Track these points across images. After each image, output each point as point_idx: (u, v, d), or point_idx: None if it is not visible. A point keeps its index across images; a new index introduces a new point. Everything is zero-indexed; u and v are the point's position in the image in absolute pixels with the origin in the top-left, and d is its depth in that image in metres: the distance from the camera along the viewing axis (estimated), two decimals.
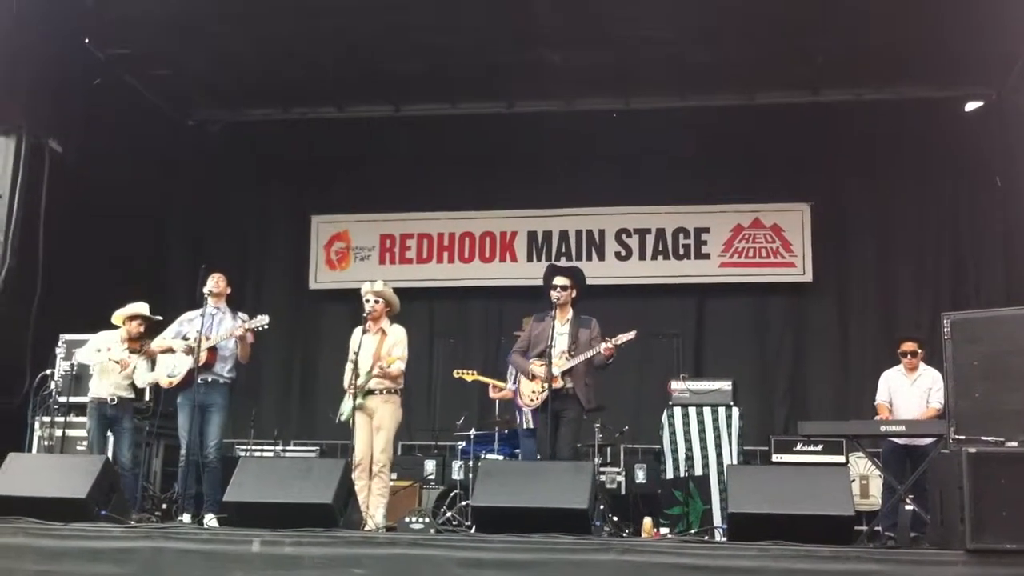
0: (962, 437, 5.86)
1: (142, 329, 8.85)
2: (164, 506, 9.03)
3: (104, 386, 8.77)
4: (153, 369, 8.76)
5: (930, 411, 8.73)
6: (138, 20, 10.28)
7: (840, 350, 12.15)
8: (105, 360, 8.74)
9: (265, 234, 13.58)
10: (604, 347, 7.82)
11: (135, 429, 8.93)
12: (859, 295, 12.26)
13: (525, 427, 8.71)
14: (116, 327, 8.93)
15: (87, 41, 10.67)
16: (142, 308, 8.94)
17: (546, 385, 7.79)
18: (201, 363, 8.05)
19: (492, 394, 9.63)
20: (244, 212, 13.52)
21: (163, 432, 9.65)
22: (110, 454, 8.54)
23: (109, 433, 8.84)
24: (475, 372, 9.62)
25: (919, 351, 9.00)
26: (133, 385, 8.88)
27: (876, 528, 8.12)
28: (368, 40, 10.70)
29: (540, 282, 8.52)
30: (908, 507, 7.16)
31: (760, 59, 10.87)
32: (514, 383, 8.71)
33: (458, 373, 9.67)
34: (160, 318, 8.91)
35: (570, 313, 8.16)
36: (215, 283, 8.40)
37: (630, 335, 7.86)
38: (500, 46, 10.77)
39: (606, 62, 11.08)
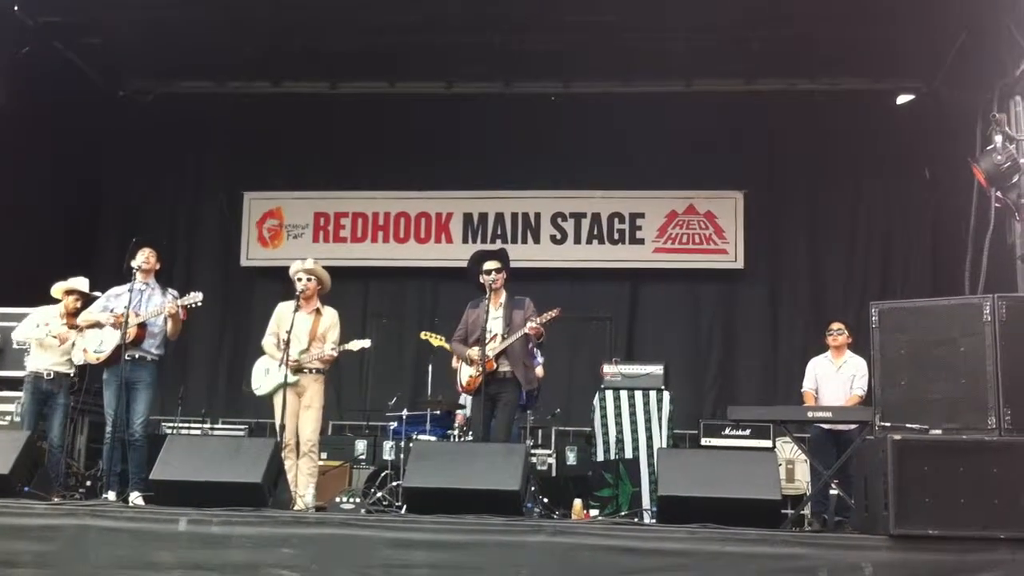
0: (887, 424, 5.95)
1: (79, 304, 8.68)
2: (88, 483, 8.87)
3: (41, 360, 8.59)
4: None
5: (853, 397, 8.90)
6: None
7: (770, 337, 12.29)
8: (43, 336, 8.56)
9: (196, 209, 13.36)
10: (530, 326, 7.83)
11: (68, 406, 8.74)
12: (790, 283, 12.41)
13: None
14: (55, 301, 8.76)
15: (16, 8, 10.38)
16: (81, 283, 8.79)
17: (481, 369, 7.79)
18: (129, 339, 7.90)
19: (455, 364, 9.59)
20: (175, 187, 13.31)
21: (88, 408, 9.47)
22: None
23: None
24: (443, 338, 9.54)
25: (845, 330, 9.16)
26: (71, 361, 8.68)
27: (802, 512, 8.26)
28: (305, 15, 10.55)
29: (467, 267, 8.49)
30: (833, 492, 7.27)
31: (698, 46, 10.91)
32: None
33: (426, 335, 9.60)
34: (99, 294, 8.73)
35: (503, 296, 8.15)
36: (145, 259, 8.23)
37: (553, 312, 7.89)
38: (440, 25, 10.68)
39: (547, 45, 11.08)
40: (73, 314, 8.65)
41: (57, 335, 8.54)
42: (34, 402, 8.56)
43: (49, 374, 8.57)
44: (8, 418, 8.92)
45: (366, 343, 8.18)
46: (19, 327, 8.90)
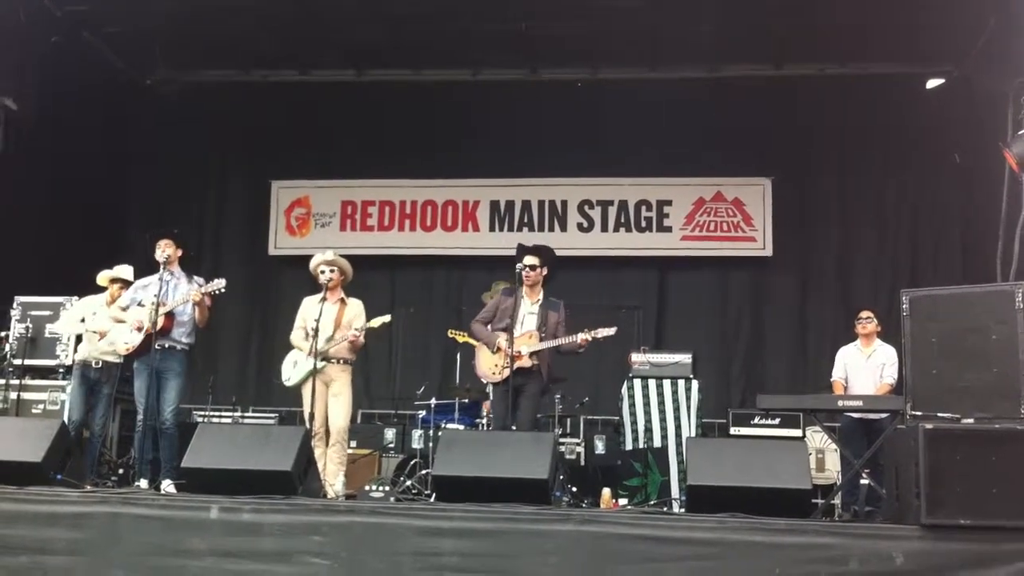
0: (919, 413, 5.91)
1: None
2: (120, 472, 8.95)
3: (91, 349, 8.67)
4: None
5: (883, 386, 8.85)
6: None
7: (798, 325, 12.25)
8: (82, 331, 8.65)
9: (224, 198, 13.43)
10: (582, 337, 7.84)
11: (112, 395, 8.82)
12: (818, 270, 12.35)
13: None
14: (102, 289, 8.82)
15: None
16: (126, 272, 8.86)
17: (509, 360, 7.79)
18: (158, 329, 7.95)
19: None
20: (203, 175, 13.36)
21: (120, 397, 9.54)
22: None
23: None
24: (468, 334, 9.58)
25: (874, 318, 9.11)
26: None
27: (832, 502, 8.23)
28: (331, 2, 10.56)
29: (501, 252, 8.54)
30: (864, 482, 7.23)
31: (725, 32, 10.87)
32: None
33: (452, 333, 9.62)
34: None
35: (540, 294, 8.15)
36: (163, 251, 8.23)
37: (610, 331, 7.92)
38: (465, 12, 10.66)
39: (573, 31, 11.03)
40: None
41: (97, 330, 8.56)
42: (82, 391, 8.66)
43: (98, 363, 8.68)
44: (41, 406, 8.99)
45: (386, 318, 8.18)
46: (62, 318, 8.96)
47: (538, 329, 7.96)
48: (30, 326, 9.08)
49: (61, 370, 9.42)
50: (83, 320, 8.76)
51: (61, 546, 6.08)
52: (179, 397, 8.16)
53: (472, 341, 8.71)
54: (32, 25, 10.37)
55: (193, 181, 13.29)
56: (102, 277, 8.84)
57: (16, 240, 10.09)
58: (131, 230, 12.65)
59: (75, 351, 9.03)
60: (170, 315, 8.06)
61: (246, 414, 11.07)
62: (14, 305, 9.53)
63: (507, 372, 7.79)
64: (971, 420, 5.71)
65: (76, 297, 9.28)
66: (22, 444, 6.77)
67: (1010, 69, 9.00)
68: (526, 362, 7.84)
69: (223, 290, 8.10)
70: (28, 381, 9.26)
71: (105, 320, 8.54)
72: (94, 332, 8.58)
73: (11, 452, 6.68)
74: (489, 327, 8.17)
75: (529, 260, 8.13)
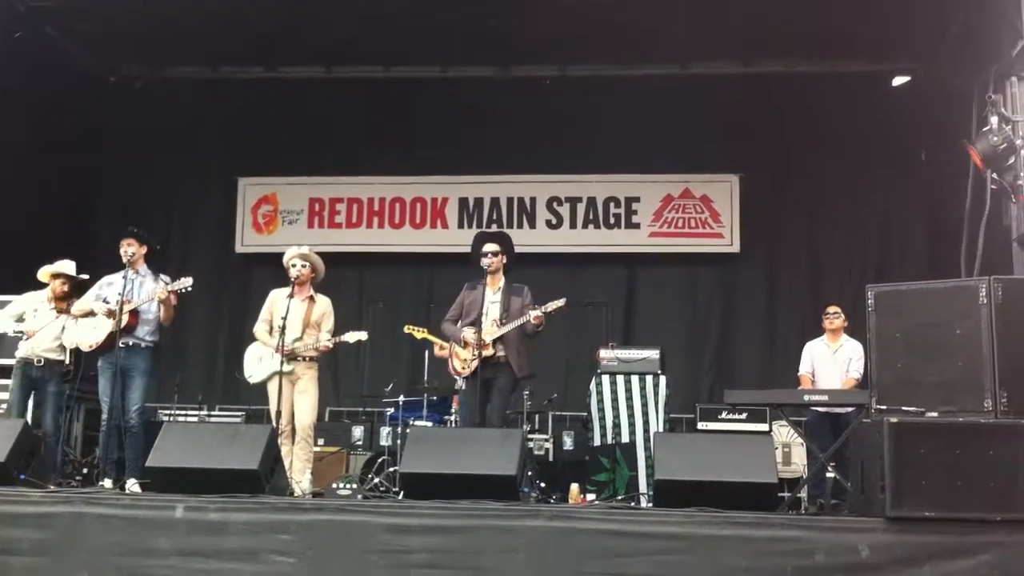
0: (883, 407, 5.95)
1: (67, 288, 8.61)
2: (85, 471, 8.86)
3: (32, 345, 8.52)
4: None
5: (849, 380, 8.94)
6: None
7: (766, 320, 12.30)
8: (10, 330, 8.55)
9: (191, 195, 13.34)
10: (534, 315, 7.83)
11: (60, 393, 8.68)
12: (786, 267, 12.42)
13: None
14: (43, 285, 8.70)
15: None
16: (68, 267, 8.71)
17: (477, 353, 7.78)
18: (122, 326, 7.89)
19: (437, 352, 9.57)
20: (169, 173, 13.21)
21: (84, 396, 9.42)
22: (29, 417, 8.32)
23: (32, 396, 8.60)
24: (425, 330, 9.54)
25: (841, 313, 9.18)
26: (63, 347, 8.60)
27: (799, 495, 8.27)
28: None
29: (471, 249, 8.48)
30: (830, 475, 7.28)
31: (694, 28, 10.88)
32: None
33: (408, 328, 9.58)
34: (86, 277, 8.70)
35: (502, 281, 8.15)
36: (124, 249, 8.18)
37: (559, 303, 7.89)
38: (435, 9, 10.62)
39: (543, 29, 11.01)
40: (61, 298, 8.58)
41: (27, 331, 8.47)
42: (23, 388, 8.47)
43: (39, 360, 8.48)
44: (3, 407, 8.87)
45: (363, 335, 8.18)
46: (8, 308, 8.83)
47: (500, 316, 7.95)
48: (12, 331, 8.91)
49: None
50: (22, 318, 8.61)
51: (25, 546, 6.03)
52: (144, 396, 8.10)
53: (430, 337, 8.70)
54: None
55: (160, 178, 13.14)
56: (43, 273, 8.66)
57: None
58: (97, 227, 12.55)
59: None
60: (135, 312, 8.01)
61: (212, 412, 11.00)
62: None
63: (475, 364, 7.78)
64: (935, 414, 5.76)
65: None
66: None
67: (974, 67, 9.08)
68: (491, 351, 7.82)
69: (189, 289, 8.07)
70: None
71: (45, 317, 8.45)
72: (18, 332, 8.47)
73: None
74: (459, 324, 8.17)
75: (490, 247, 8.12)
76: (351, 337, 8.10)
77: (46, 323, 8.49)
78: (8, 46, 10.39)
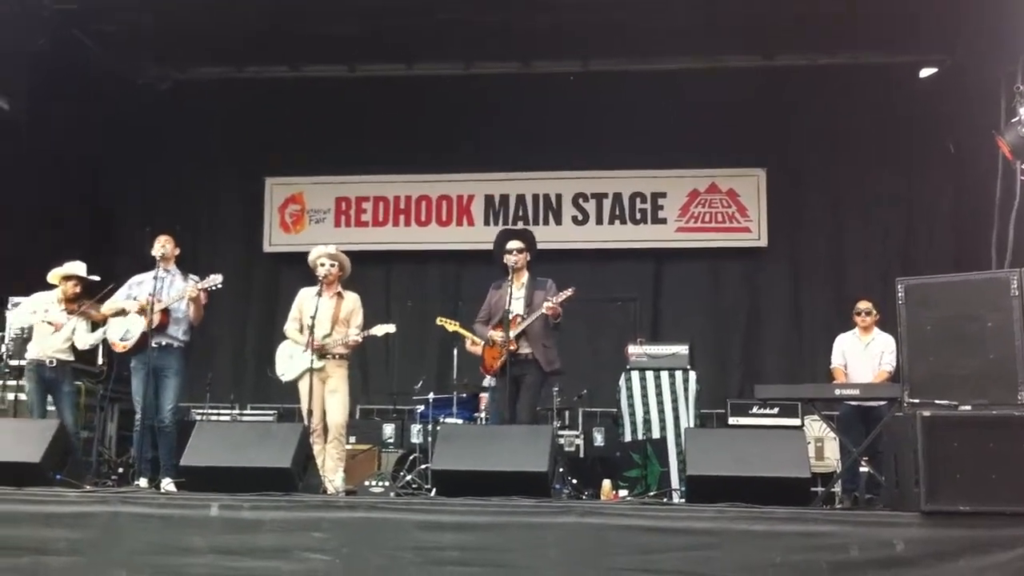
0: (916, 401, 5.93)
1: (78, 290, 8.63)
2: (120, 471, 8.94)
3: (43, 348, 8.54)
4: (93, 330, 8.62)
5: (881, 373, 8.89)
6: None
7: (794, 314, 12.27)
8: (38, 321, 8.53)
9: (218, 196, 13.41)
10: (547, 306, 7.81)
11: (75, 392, 8.75)
12: (813, 260, 12.36)
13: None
14: (53, 287, 8.73)
15: None
16: (79, 268, 8.72)
17: (503, 351, 7.79)
18: (154, 326, 7.94)
19: (469, 347, 9.59)
20: (197, 173, 13.30)
21: (117, 396, 9.52)
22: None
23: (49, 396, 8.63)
24: (457, 323, 9.58)
25: (873, 311, 9.14)
26: (74, 348, 8.66)
27: (832, 490, 8.24)
28: None
29: (493, 247, 8.48)
30: (863, 469, 7.25)
31: (717, 22, 10.85)
32: None
33: (441, 320, 9.60)
34: (98, 278, 8.71)
35: (525, 277, 8.14)
36: (162, 245, 8.25)
37: (568, 292, 7.86)
38: (457, 6, 10.64)
39: (565, 24, 11.00)
40: (72, 299, 8.59)
41: (52, 322, 8.49)
42: (39, 390, 8.50)
43: (51, 361, 8.50)
44: None
45: (391, 328, 8.18)
46: (14, 313, 8.89)
47: (524, 312, 7.94)
48: (24, 326, 9.00)
49: (6, 370, 9.25)
50: (34, 312, 8.64)
51: (62, 546, 6.09)
52: (177, 395, 8.16)
53: (462, 330, 8.70)
54: (22, 23, 10.32)
55: (187, 179, 13.25)
56: (53, 275, 8.67)
57: (9, 240, 10.06)
58: (124, 229, 12.66)
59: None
60: (166, 312, 8.06)
61: (244, 411, 11.07)
62: (8, 305, 9.49)
63: (503, 361, 7.78)
64: (968, 407, 5.73)
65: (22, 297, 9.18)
66: (20, 445, 6.78)
67: (1002, 57, 9.02)
68: (513, 346, 7.83)
69: (220, 286, 8.13)
70: (24, 382, 9.14)
71: (56, 318, 8.49)
72: (48, 324, 8.48)
73: (9, 453, 6.70)
74: (489, 324, 8.18)
75: (513, 244, 8.13)
76: (379, 330, 8.12)
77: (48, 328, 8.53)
78: (34, 49, 10.48)
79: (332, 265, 8.19)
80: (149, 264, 8.33)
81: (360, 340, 8.08)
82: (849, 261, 12.22)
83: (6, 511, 6.20)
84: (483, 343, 8.20)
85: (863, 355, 9.10)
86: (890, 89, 11.76)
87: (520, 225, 12.17)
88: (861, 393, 8.05)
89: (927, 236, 12.05)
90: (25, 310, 8.75)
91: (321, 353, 7.95)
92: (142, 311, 8.00)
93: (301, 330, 8.10)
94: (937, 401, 5.82)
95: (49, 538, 6.10)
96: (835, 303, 11.61)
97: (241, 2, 10.65)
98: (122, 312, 8.24)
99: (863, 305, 9.23)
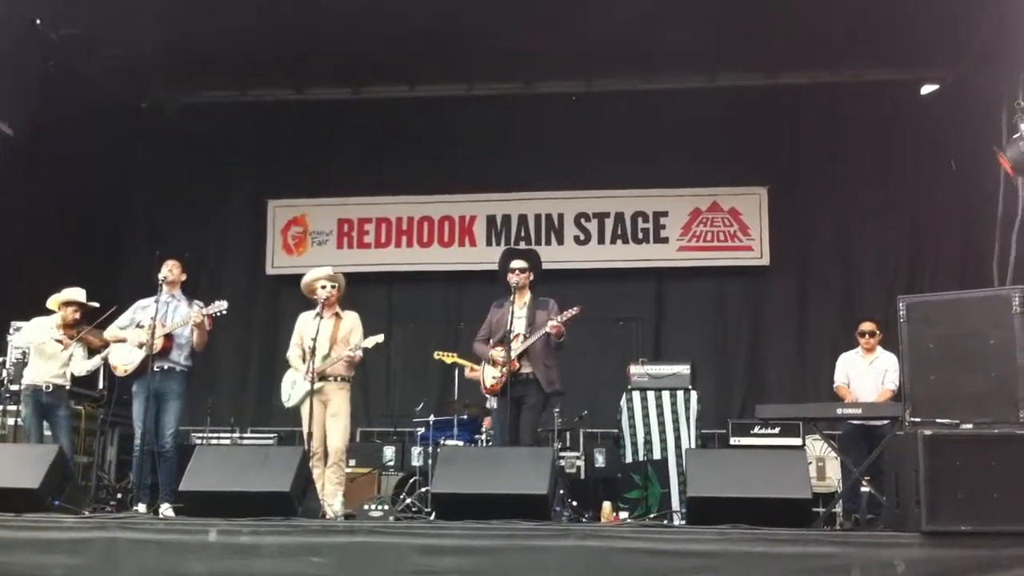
0: (918, 419, 5.90)
1: (78, 316, 8.65)
2: (119, 496, 8.91)
3: (39, 373, 8.58)
4: (90, 357, 8.64)
5: (884, 392, 8.83)
6: (90, 1, 10.06)
7: (797, 333, 12.21)
8: (48, 340, 8.55)
9: (221, 218, 13.42)
10: (551, 324, 7.80)
11: (69, 416, 8.77)
12: (816, 279, 12.31)
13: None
14: (51, 312, 8.75)
15: (38, 22, 10.45)
16: (78, 294, 8.74)
17: (505, 370, 7.77)
18: (157, 350, 7.94)
19: (468, 374, 9.58)
20: (200, 195, 13.31)
21: (117, 421, 9.51)
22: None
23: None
24: (455, 355, 9.56)
25: (877, 332, 9.09)
26: (67, 374, 8.68)
27: (834, 510, 8.19)
28: (324, 21, 10.56)
29: (498, 266, 8.48)
30: (865, 489, 7.21)
31: (719, 42, 10.87)
32: None
33: (439, 355, 9.59)
34: (97, 305, 8.73)
35: (528, 296, 8.13)
36: (169, 270, 8.27)
37: (574, 310, 7.85)
38: (459, 28, 10.66)
39: (565, 44, 11.02)
40: (71, 325, 8.61)
41: (60, 339, 8.51)
42: (35, 415, 8.54)
43: (48, 386, 8.54)
44: None
45: (379, 338, 8.12)
46: (15, 337, 8.90)
47: (525, 332, 7.92)
48: (26, 351, 9.00)
49: (7, 395, 9.29)
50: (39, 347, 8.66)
51: (60, 572, 6.07)
52: (178, 420, 8.15)
53: (460, 361, 8.68)
54: (26, 49, 10.37)
55: (190, 202, 13.26)
56: (52, 301, 8.71)
57: (14, 265, 10.08)
58: (128, 253, 12.67)
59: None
60: (169, 336, 8.05)
61: (244, 435, 11.04)
62: (10, 330, 9.49)
63: (504, 381, 7.76)
64: (970, 425, 5.71)
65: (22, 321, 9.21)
66: (19, 470, 6.77)
67: (1003, 73, 9.01)
68: (515, 366, 7.80)
69: (224, 312, 8.11)
70: (12, 407, 9.17)
71: (54, 344, 8.53)
72: (58, 341, 8.50)
73: (8, 479, 6.69)
74: (490, 342, 8.16)
75: (517, 263, 8.12)
76: (369, 342, 8.06)
77: (56, 349, 8.57)
78: (40, 74, 10.52)
79: (334, 287, 8.19)
80: (153, 288, 8.33)
81: (355, 356, 8.03)
82: (852, 279, 12.18)
83: (5, 537, 6.17)
84: (483, 363, 8.18)
85: (867, 374, 9.05)
86: (892, 106, 11.77)
87: (522, 245, 12.16)
88: (863, 412, 8.03)
89: (931, 253, 12.00)
90: (26, 334, 8.75)
91: (322, 375, 7.93)
92: (142, 345, 7.98)
93: (303, 355, 8.08)
94: (939, 420, 5.80)
95: (48, 564, 6.08)
96: (838, 321, 11.56)
97: (245, 26, 10.66)
98: (123, 341, 8.23)
99: (867, 327, 9.17)
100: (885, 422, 7.97)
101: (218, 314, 8.12)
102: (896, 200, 12.20)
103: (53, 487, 6.75)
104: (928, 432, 5.61)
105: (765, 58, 11.49)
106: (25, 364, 8.87)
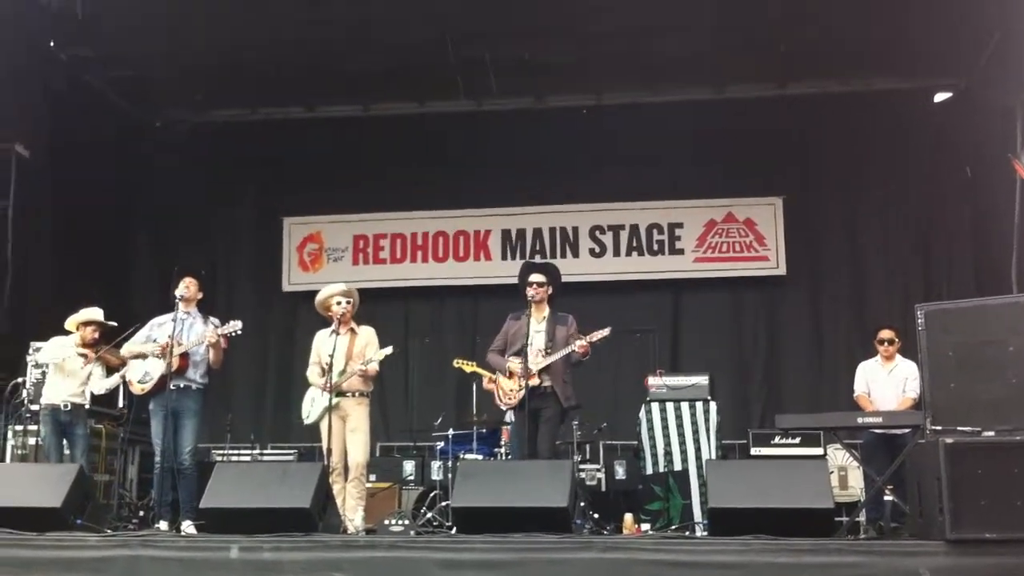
0: (939, 428, 5.87)
1: (96, 335, 8.73)
2: (141, 514, 8.93)
3: (58, 392, 8.64)
4: (108, 376, 8.71)
5: (906, 400, 8.79)
6: (101, 21, 10.11)
7: (815, 342, 12.19)
8: (70, 356, 8.61)
9: (236, 236, 13.47)
10: (579, 344, 7.79)
11: (87, 435, 8.82)
12: (833, 287, 12.29)
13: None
14: (69, 332, 8.81)
15: (51, 44, 10.53)
16: (96, 314, 8.80)
17: (523, 383, 7.77)
18: (173, 369, 7.97)
19: (486, 385, 9.56)
20: (214, 214, 13.39)
21: (137, 439, 9.54)
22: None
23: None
24: (474, 364, 9.59)
25: (896, 339, 9.06)
26: (85, 392, 8.75)
27: (857, 519, 8.15)
28: (334, 39, 10.64)
29: (515, 280, 8.49)
30: (888, 498, 7.18)
31: (728, 52, 10.89)
32: None
33: (458, 363, 9.60)
34: (115, 324, 8.80)
35: (547, 311, 8.13)
36: (186, 287, 8.28)
37: (604, 332, 7.85)
38: (468, 43, 10.72)
39: (576, 58, 11.07)
40: (90, 345, 8.69)
41: (84, 353, 8.59)
42: (55, 434, 8.61)
43: (67, 405, 8.61)
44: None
45: (388, 350, 8.14)
46: (42, 353, 8.96)
47: (545, 346, 7.92)
48: (45, 370, 9.06)
49: (27, 415, 9.34)
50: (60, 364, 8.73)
51: None
52: (196, 437, 8.14)
53: (479, 371, 8.68)
54: (39, 71, 10.45)
55: (205, 221, 13.33)
56: (71, 321, 8.78)
57: (31, 285, 10.14)
58: (142, 272, 12.71)
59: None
60: (185, 355, 8.07)
61: (264, 451, 11.06)
62: (30, 350, 9.54)
63: (522, 395, 7.76)
64: (991, 433, 5.67)
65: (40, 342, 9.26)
66: (41, 489, 6.79)
67: (1017, 80, 9.00)
68: (536, 381, 7.80)
69: (239, 332, 8.12)
70: (32, 427, 9.22)
71: (72, 363, 8.62)
72: (81, 355, 8.59)
73: (30, 498, 6.71)
74: (505, 354, 8.16)
75: (536, 278, 8.12)
76: (379, 355, 8.08)
77: (76, 367, 8.66)
78: (52, 95, 10.59)
79: (349, 302, 8.22)
80: (168, 306, 8.36)
81: (367, 370, 8.02)
82: (869, 287, 12.15)
83: (27, 556, 6.18)
84: (497, 374, 8.18)
85: (887, 382, 9.01)
86: (905, 114, 11.75)
87: (538, 258, 12.17)
88: (884, 421, 7.99)
89: (947, 260, 11.95)
90: (46, 353, 8.81)
91: (339, 391, 7.94)
92: (162, 353, 8.02)
93: (322, 373, 8.10)
94: (960, 427, 5.76)
95: None
96: (856, 330, 11.55)
97: (255, 46, 10.73)
98: (141, 356, 8.27)
99: (885, 334, 9.13)
100: (907, 430, 7.93)
101: (233, 334, 8.13)
102: (909, 207, 12.18)
103: (75, 506, 6.76)
104: (949, 440, 5.58)
105: (776, 68, 11.49)
106: (44, 384, 8.91)
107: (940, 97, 11.59)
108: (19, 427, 9.35)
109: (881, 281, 12.12)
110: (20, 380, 9.50)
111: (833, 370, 11.58)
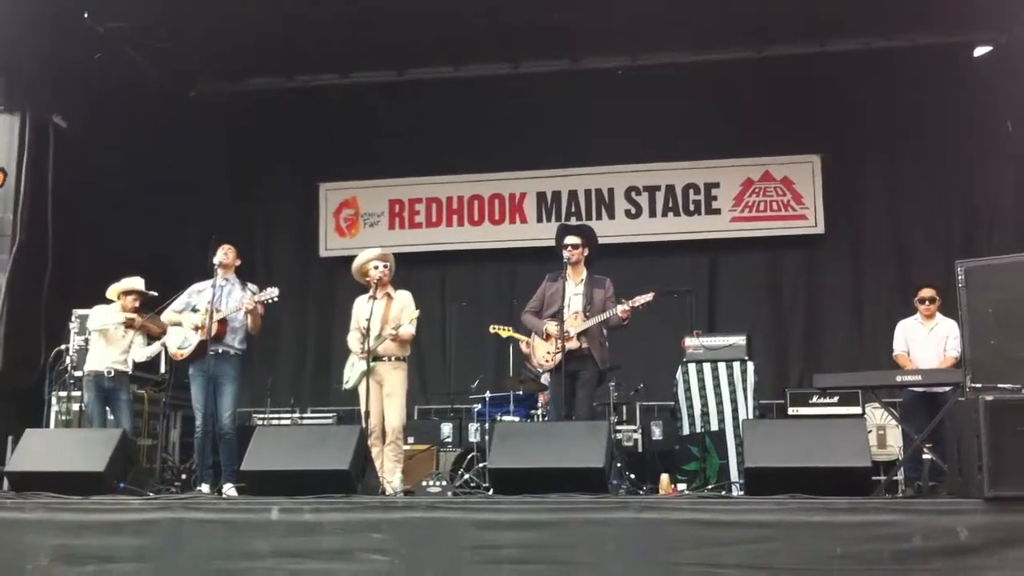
0: (979, 385, 5.82)
1: (137, 304, 8.86)
2: (184, 477, 9.07)
3: (101, 359, 8.78)
4: (149, 343, 8.85)
5: (947, 359, 8.71)
6: None
7: (853, 301, 12.12)
8: (113, 323, 8.75)
9: (273, 203, 13.56)
10: (621, 309, 7.79)
11: (132, 400, 8.97)
12: (871, 246, 12.19)
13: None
14: (110, 301, 8.95)
15: (86, 15, 10.57)
16: (137, 283, 8.93)
17: (560, 345, 7.77)
18: (212, 335, 8.06)
19: (524, 349, 9.60)
20: (251, 182, 13.49)
21: (179, 403, 9.67)
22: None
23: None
24: (510, 328, 9.59)
25: (937, 298, 8.96)
26: (128, 359, 8.89)
27: (895, 478, 8.12)
28: (368, 3, 10.59)
29: (551, 243, 8.50)
30: (926, 456, 7.14)
31: (767, 10, 10.74)
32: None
33: (494, 328, 9.62)
34: (155, 294, 8.93)
35: (584, 273, 8.12)
36: (224, 254, 8.39)
37: (647, 297, 7.83)
38: (503, 4, 10.64)
39: (611, 18, 10.95)
40: (131, 312, 8.82)
41: (131, 319, 8.75)
42: (98, 400, 8.75)
43: (110, 372, 8.76)
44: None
45: (415, 313, 8.15)
46: (88, 320, 9.09)
47: (583, 308, 7.92)
48: (88, 338, 9.20)
49: (71, 381, 9.46)
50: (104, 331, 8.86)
51: (127, 553, 6.20)
52: (235, 401, 8.27)
53: (516, 335, 8.69)
54: (75, 43, 10.49)
55: (241, 189, 13.42)
56: (112, 290, 8.93)
57: (73, 254, 10.26)
58: (182, 239, 12.80)
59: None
60: (223, 321, 8.17)
61: (304, 415, 11.16)
62: (72, 318, 9.67)
63: (559, 358, 7.77)
64: None
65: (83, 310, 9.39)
66: (85, 454, 6.92)
67: None
68: (574, 344, 7.80)
69: (276, 299, 8.20)
70: (76, 393, 9.35)
71: (116, 331, 8.78)
72: (128, 319, 8.73)
73: (74, 463, 6.84)
74: (541, 316, 8.16)
75: (571, 239, 8.11)
76: (407, 318, 8.10)
77: (119, 335, 8.82)
78: (88, 67, 10.65)
79: (386, 266, 8.25)
80: (207, 274, 8.46)
81: (397, 334, 8.00)
82: (908, 244, 12.05)
83: (72, 520, 6.32)
84: (532, 336, 8.18)
85: (927, 341, 8.92)
86: (945, 69, 11.56)
87: (573, 220, 12.14)
88: (923, 379, 7.93)
89: (988, 217, 11.78)
90: (92, 320, 8.94)
91: (375, 355, 7.99)
92: (197, 328, 8.11)
93: (361, 338, 8.14)
94: (1000, 385, 5.71)
95: (114, 546, 6.21)
96: (896, 288, 11.46)
97: (289, 13, 10.70)
98: (179, 324, 8.37)
99: (926, 293, 9.02)
100: (947, 389, 7.87)
101: (269, 301, 8.20)
102: (952, 164, 12.00)
103: (118, 470, 6.89)
104: (989, 398, 5.53)
105: (815, 25, 11.31)
106: (87, 351, 9.04)
107: (980, 51, 11.39)
108: (63, 393, 9.49)
109: (921, 238, 12.00)
110: (63, 347, 9.64)
111: (872, 329, 11.52)
